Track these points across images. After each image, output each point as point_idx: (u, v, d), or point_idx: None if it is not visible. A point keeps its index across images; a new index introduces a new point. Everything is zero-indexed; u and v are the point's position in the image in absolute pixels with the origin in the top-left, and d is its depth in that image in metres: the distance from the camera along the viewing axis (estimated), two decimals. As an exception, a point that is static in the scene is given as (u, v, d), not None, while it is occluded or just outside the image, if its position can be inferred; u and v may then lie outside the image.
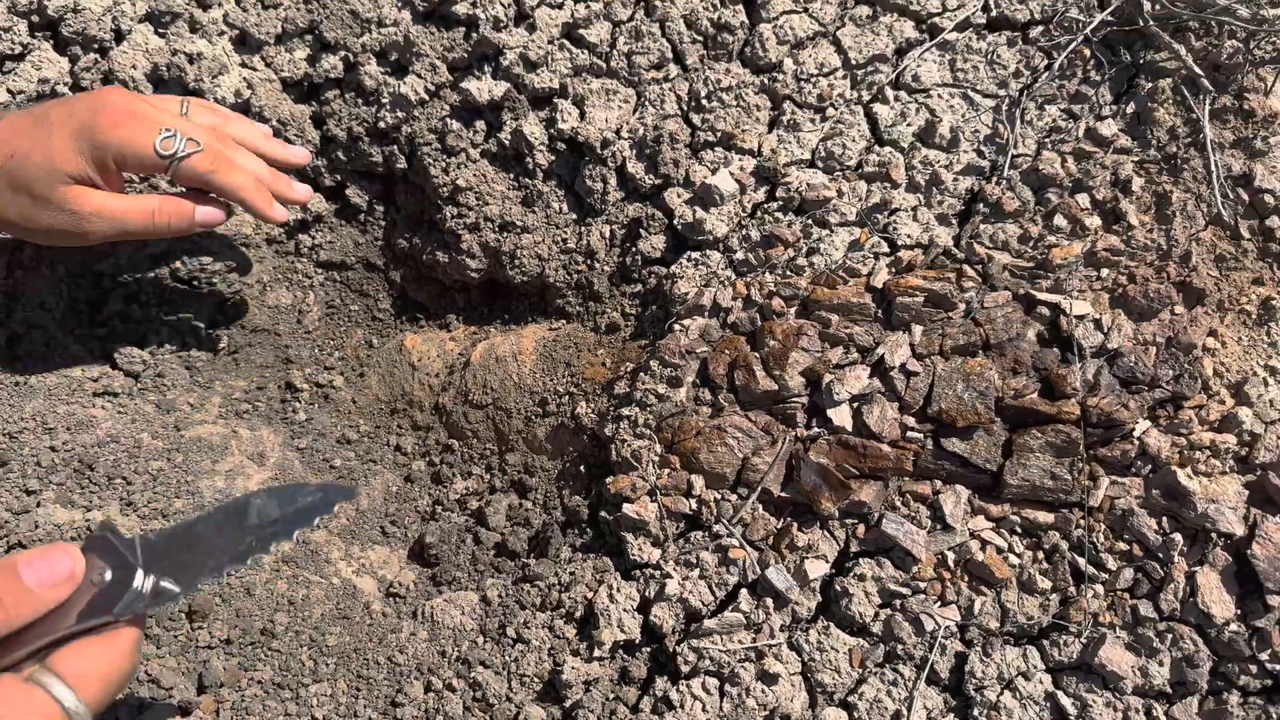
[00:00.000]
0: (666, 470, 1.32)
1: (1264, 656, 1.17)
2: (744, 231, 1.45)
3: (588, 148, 1.51)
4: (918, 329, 1.31)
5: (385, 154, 1.58)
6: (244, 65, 1.64)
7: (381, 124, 1.57)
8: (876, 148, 1.47)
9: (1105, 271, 1.34)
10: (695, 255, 1.46)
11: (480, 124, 1.56)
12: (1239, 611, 1.20)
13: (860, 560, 1.28)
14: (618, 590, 1.27)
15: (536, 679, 1.24)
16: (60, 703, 0.57)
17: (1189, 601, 1.20)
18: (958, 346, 1.29)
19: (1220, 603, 1.20)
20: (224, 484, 1.41)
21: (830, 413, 1.30)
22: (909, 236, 1.40)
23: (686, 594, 1.25)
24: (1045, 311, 1.30)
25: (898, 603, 1.26)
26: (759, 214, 1.46)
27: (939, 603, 1.25)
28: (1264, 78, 1.38)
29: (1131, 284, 1.32)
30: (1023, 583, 1.24)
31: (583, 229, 1.53)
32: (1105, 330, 1.28)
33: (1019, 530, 1.26)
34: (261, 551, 0.70)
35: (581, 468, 1.43)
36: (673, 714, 1.21)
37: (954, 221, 1.40)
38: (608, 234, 1.52)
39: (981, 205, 1.38)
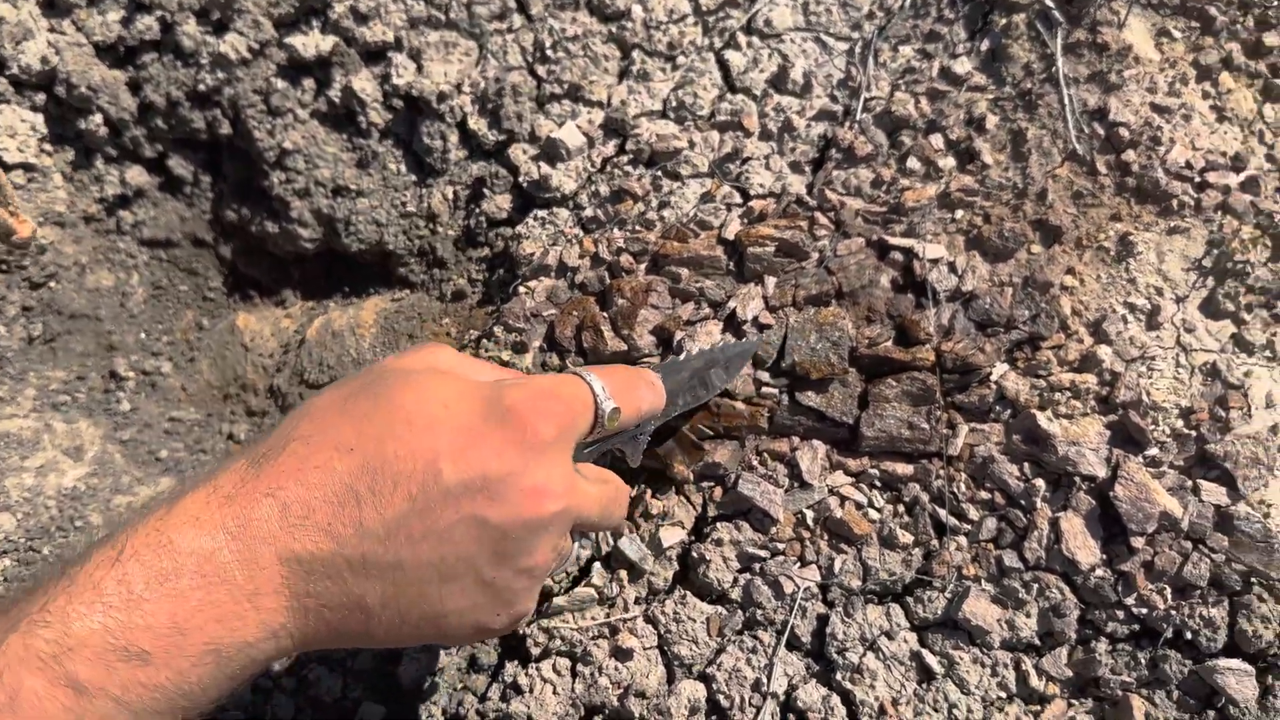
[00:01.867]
0: (512, 441, 1.26)
1: (1130, 601, 1.16)
2: (593, 187, 1.39)
3: (424, 104, 1.43)
4: (770, 280, 1.27)
5: (208, 119, 1.49)
6: (52, 30, 1.53)
7: (202, 87, 1.47)
8: (729, 96, 1.42)
9: (960, 213, 1.31)
10: (542, 214, 1.39)
11: (308, 82, 1.47)
12: (1104, 556, 1.18)
13: (718, 525, 1.23)
14: (462, 571, 1.20)
15: (375, 674, 1.17)
16: (592, 387, 0.71)
17: (1054, 549, 1.18)
18: (811, 296, 1.25)
19: (1085, 548, 1.18)
20: (34, 480, 1.31)
21: (682, 372, 1.24)
22: (761, 186, 1.36)
23: (535, 571, 1.19)
24: (899, 257, 1.27)
25: (757, 566, 1.21)
26: (608, 168, 1.40)
27: (799, 563, 1.21)
28: (1117, 10, 1.36)
29: (986, 224, 1.30)
30: (883, 538, 1.21)
31: (423, 191, 1.46)
32: (960, 273, 1.25)
33: (878, 484, 1.23)
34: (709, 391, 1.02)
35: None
36: (521, 699, 1.15)
37: (807, 169, 1.36)
38: (450, 195, 1.45)
39: (834, 151, 1.35)
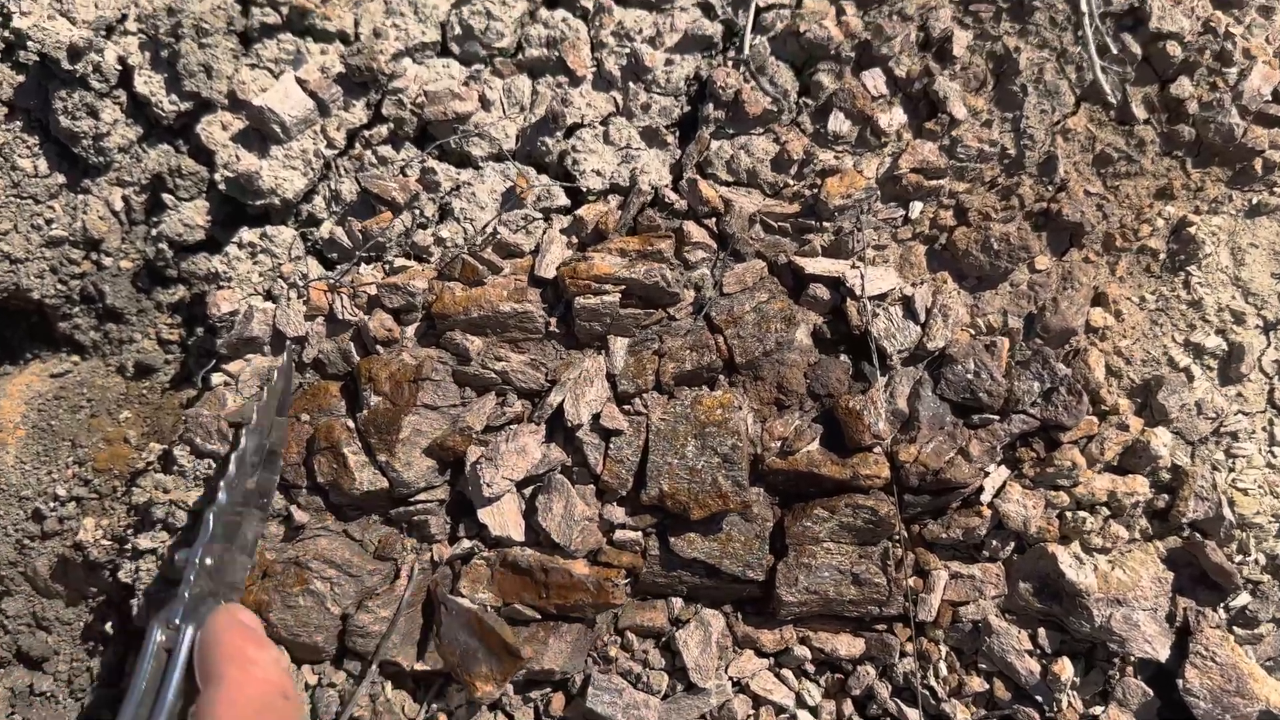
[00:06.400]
0: (222, 642, 0.74)
1: (1207, 840, 0.70)
2: (330, 185, 0.83)
3: (53, 61, 0.85)
4: (619, 344, 0.74)
5: None
6: None
7: None
8: (544, 12, 0.85)
9: (918, 208, 0.78)
10: (251, 237, 0.83)
11: None
12: (1166, 772, 0.72)
13: (561, 754, 0.75)
14: None
15: None
16: None
17: (1087, 764, 0.71)
18: (684, 374, 0.73)
19: (1136, 761, 0.72)
20: None
21: (483, 515, 0.73)
22: (598, 175, 0.81)
23: None
24: (822, 292, 0.75)
25: (626, 821, 0.73)
26: (355, 148, 0.83)
27: (692, 813, 0.74)
28: None
29: (961, 226, 0.77)
30: (823, 760, 0.74)
31: (77, 199, 0.89)
32: (923, 315, 0.74)
33: (809, 669, 0.75)
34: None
35: (109, 624, 0.83)
36: None
37: (670, 139, 0.82)
38: (119, 204, 0.89)
39: (711, 106, 0.79)
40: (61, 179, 0.95)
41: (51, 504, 0.90)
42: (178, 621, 0.58)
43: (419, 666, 0.77)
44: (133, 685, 0.56)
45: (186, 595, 0.59)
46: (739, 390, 0.77)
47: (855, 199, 0.78)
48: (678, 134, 0.86)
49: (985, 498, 0.75)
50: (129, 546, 0.82)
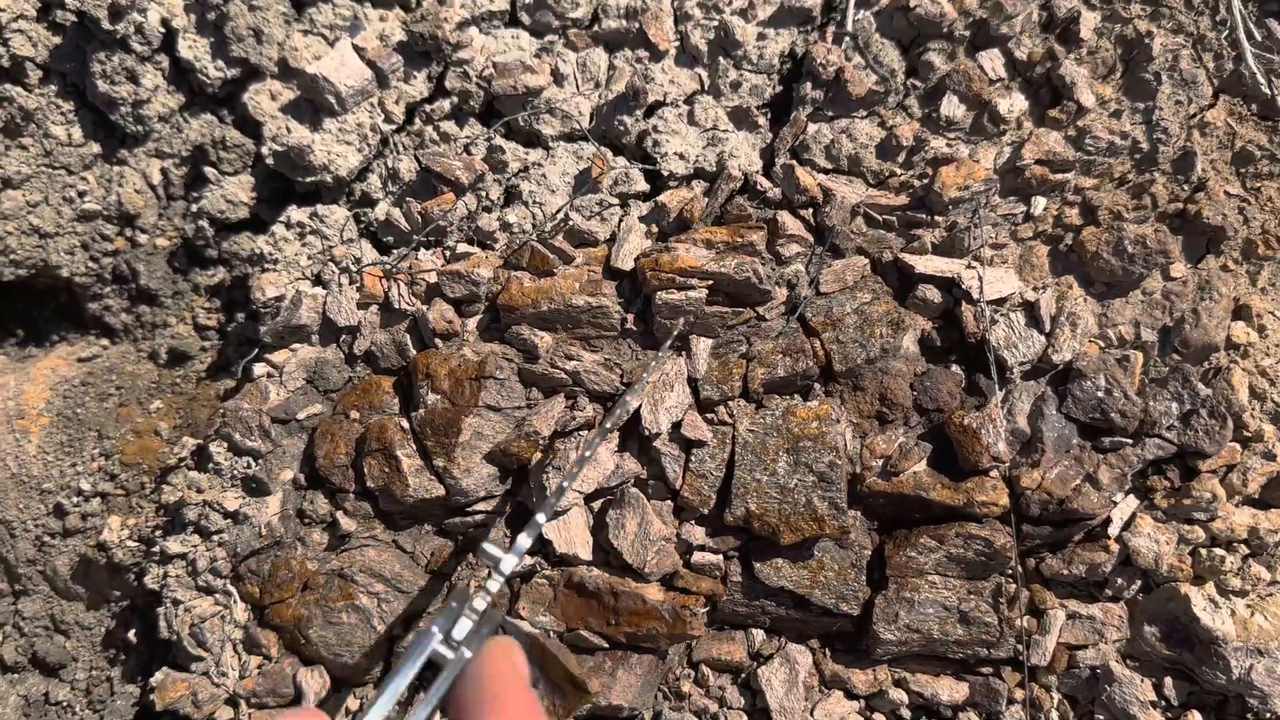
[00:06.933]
0: (256, 659, 0.67)
1: None
2: (387, 162, 0.75)
3: (93, 21, 0.78)
4: (702, 346, 0.66)
5: None
6: None
7: None
8: (622, -20, 0.77)
9: (1041, 204, 0.69)
10: (300, 216, 0.75)
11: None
12: (1307, 844, 0.64)
13: (625, 796, 0.66)
14: None
15: None
16: None
17: (1217, 832, 0.63)
18: (775, 380, 0.65)
19: (1272, 830, 0.63)
20: None
21: (548, 529, 0.65)
22: (682, 158, 0.73)
23: None
24: (932, 294, 0.66)
25: None
26: (415, 123, 0.75)
27: None
28: None
29: (1089, 225, 0.68)
30: (918, 816, 0.65)
31: (112, 171, 0.81)
32: (1047, 323, 0.65)
33: (905, 714, 0.66)
34: None
35: (132, 631, 0.76)
36: None
37: (761, 120, 0.73)
38: (157, 177, 0.81)
39: (808, 84, 0.71)
40: (96, 148, 0.88)
41: (74, 499, 0.83)
42: (459, 642, 0.46)
43: (472, 695, 0.70)
44: (390, 685, 0.43)
45: (478, 614, 0.46)
46: (836, 401, 0.69)
47: (973, 191, 0.70)
48: (769, 115, 0.78)
49: (1112, 530, 0.66)
50: (157, 549, 0.75)
